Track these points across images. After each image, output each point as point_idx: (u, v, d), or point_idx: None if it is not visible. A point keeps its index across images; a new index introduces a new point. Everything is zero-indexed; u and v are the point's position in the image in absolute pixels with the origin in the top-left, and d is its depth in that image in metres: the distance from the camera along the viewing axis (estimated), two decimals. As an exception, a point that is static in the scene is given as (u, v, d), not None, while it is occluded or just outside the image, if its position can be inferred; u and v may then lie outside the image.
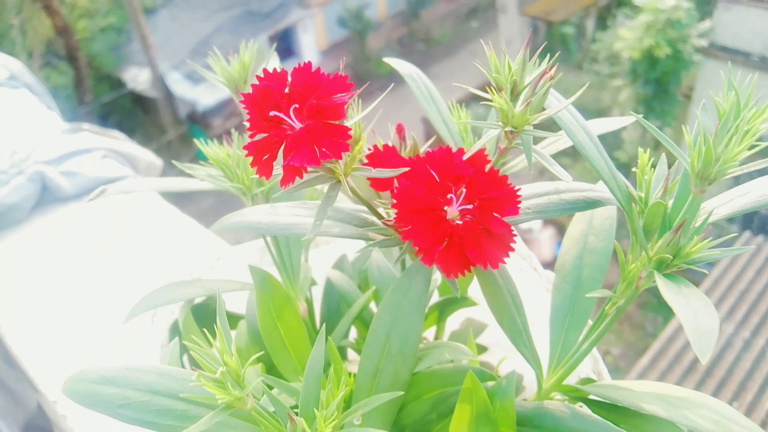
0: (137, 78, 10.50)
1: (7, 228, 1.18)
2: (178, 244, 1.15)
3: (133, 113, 10.30)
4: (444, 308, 0.63)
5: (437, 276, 0.65)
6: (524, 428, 0.51)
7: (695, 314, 0.35)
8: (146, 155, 1.45)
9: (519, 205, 0.43)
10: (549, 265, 0.59)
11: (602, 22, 10.04)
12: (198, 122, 10.52)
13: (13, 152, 1.23)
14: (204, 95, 9.51)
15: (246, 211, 0.48)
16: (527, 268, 0.73)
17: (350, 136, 0.38)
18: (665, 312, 7.97)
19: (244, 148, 0.39)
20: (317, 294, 0.71)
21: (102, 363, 0.41)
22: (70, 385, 0.38)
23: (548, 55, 0.44)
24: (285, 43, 9.94)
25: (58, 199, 1.25)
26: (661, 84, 8.35)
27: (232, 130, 0.60)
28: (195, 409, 0.38)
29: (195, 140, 0.63)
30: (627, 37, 8.24)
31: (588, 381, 0.55)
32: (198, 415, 0.38)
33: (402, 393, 0.45)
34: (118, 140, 1.41)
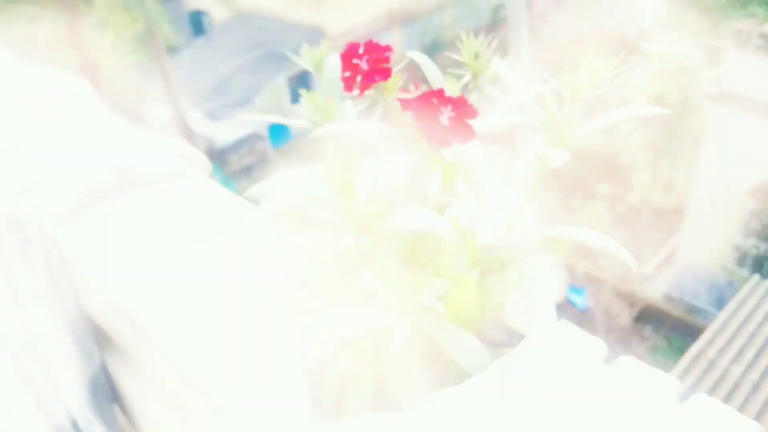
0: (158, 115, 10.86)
1: (99, 205, 1.59)
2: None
3: (153, 149, 10.56)
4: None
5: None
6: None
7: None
8: (201, 157, 1.89)
9: (478, 115, 0.82)
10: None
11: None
12: (216, 159, 10.60)
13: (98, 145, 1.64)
14: (222, 133, 9.81)
15: (328, 125, 0.88)
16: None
17: (391, 71, 0.78)
18: (675, 356, 8.13)
19: (342, 79, 0.79)
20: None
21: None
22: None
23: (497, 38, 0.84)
24: (303, 84, 9.89)
25: (139, 183, 1.65)
26: (671, 129, 8.43)
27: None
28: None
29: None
30: (638, 82, 8.47)
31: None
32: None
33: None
34: (180, 144, 1.85)
